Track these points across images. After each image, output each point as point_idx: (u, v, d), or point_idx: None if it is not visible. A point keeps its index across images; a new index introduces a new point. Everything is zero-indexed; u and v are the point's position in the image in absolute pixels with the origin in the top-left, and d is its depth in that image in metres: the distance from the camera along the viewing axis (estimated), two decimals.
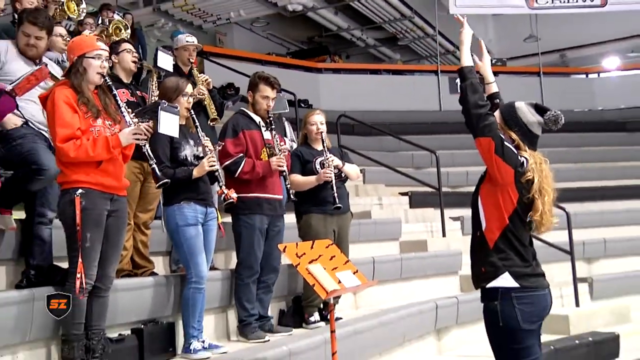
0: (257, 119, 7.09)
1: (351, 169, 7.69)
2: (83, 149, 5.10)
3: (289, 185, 7.04)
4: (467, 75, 4.52)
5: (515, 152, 4.39)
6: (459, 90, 4.54)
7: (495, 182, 4.39)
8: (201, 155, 6.30)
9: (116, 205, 5.39)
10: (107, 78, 5.44)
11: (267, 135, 7.09)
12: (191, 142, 6.31)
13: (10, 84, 5.07)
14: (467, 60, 4.62)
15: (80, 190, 5.11)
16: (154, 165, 5.64)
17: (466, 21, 4.91)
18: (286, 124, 8.97)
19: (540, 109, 4.52)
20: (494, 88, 5.04)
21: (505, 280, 4.34)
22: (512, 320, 4.31)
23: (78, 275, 5.03)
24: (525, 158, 4.40)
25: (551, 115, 4.44)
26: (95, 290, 5.23)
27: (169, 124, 5.63)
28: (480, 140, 4.36)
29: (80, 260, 5.06)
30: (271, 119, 7.11)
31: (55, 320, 5.15)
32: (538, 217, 4.37)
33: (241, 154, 6.83)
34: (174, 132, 5.80)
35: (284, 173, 6.97)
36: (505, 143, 4.35)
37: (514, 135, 4.47)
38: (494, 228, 4.41)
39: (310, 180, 7.41)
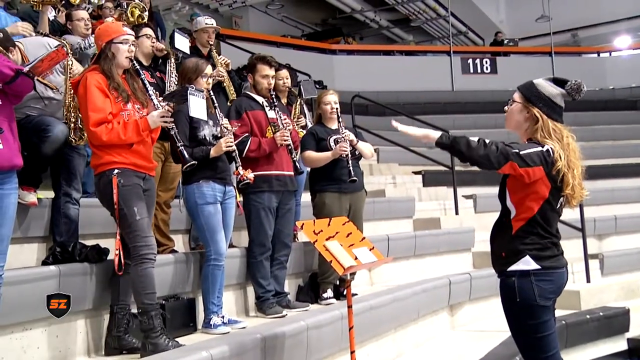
0: (260, 99, 7.13)
1: (365, 147, 7.70)
2: (115, 133, 5.24)
3: (295, 158, 7.12)
4: (445, 141, 4.43)
5: (535, 148, 4.33)
6: (456, 156, 4.47)
7: (527, 183, 4.33)
8: (219, 135, 6.37)
9: (148, 185, 5.56)
10: (135, 62, 5.58)
11: (271, 114, 7.12)
12: (210, 122, 6.36)
13: (27, 65, 5.13)
14: (433, 134, 4.53)
15: (116, 171, 5.27)
16: (182, 148, 5.80)
17: (400, 126, 4.88)
18: (304, 105, 9.04)
19: (559, 82, 4.51)
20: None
21: (526, 264, 4.34)
22: (528, 296, 4.31)
23: (116, 252, 5.21)
24: (550, 147, 4.34)
25: (573, 84, 4.43)
26: (124, 266, 5.35)
27: (198, 108, 5.74)
28: (504, 169, 4.29)
29: (118, 238, 5.25)
30: (273, 96, 7.16)
31: (80, 295, 5.29)
32: (570, 190, 4.34)
33: (247, 134, 6.88)
34: (203, 115, 5.92)
35: (290, 147, 7.05)
36: (521, 152, 4.28)
37: (537, 112, 4.44)
38: (521, 218, 4.40)
39: (325, 156, 7.45)
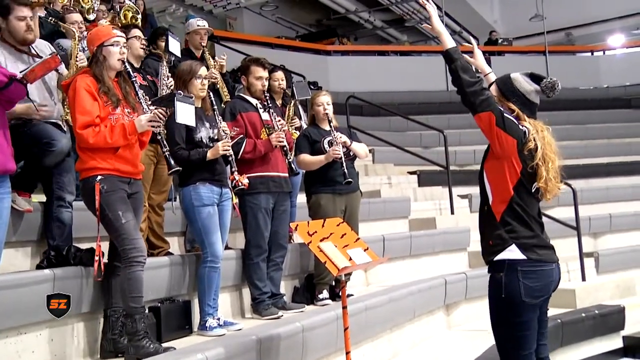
0: (254, 101, 7.14)
1: (359, 148, 7.69)
2: (101, 136, 5.25)
3: (290, 159, 7.12)
4: (454, 56, 4.48)
5: (516, 122, 4.39)
6: (450, 74, 4.49)
7: (497, 155, 4.39)
8: (216, 137, 6.38)
9: (134, 188, 5.56)
10: (127, 64, 5.59)
11: (265, 116, 7.13)
12: (207, 124, 6.39)
13: (21, 72, 5.13)
14: (449, 42, 4.57)
15: (99, 177, 5.27)
16: (167, 154, 5.78)
17: (434, 9, 4.82)
18: (299, 106, 9.04)
19: (535, 78, 4.55)
20: (492, 77, 4.97)
21: (512, 253, 4.33)
22: (514, 293, 4.31)
23: (97, 258, 5.23)
24: (527, 128, 4.39)
25: (547, 82, 4.46)
26: (115, 269, 5.40)
27: (185, 114, 5.72)
28: (481, 115, 4.34)
29: (98, 244, 5.24)
30: (267, 97, 7.17)
31: (75, 298, 5.27)
32: (543, 184, 4.36)
33: (241, 135, 6.88)
34: (191, 122, 5.87)
35: (285, 148, 7.03)
36: (506, 115, 4.35)
37: (512, 106, 4.47)
38: (500, 201, 4.42)
39: (319, 159, 7.45)
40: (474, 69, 4.57)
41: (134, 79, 5.66)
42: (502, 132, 4.32)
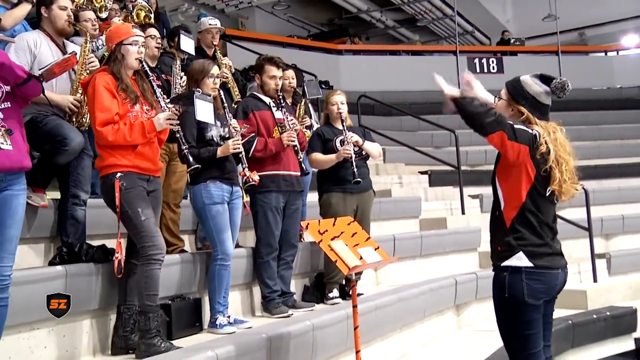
0: (267, 99, 7.15)
1: (372, 147, 7.70)
2: (121, 134, 5.28)
3: (301, 159, 7.13)
4: (461, 101, 4.44)
5: (526, 129, 4.37)
6: (461, 117, 4.45)
7: (512, 163, 4.37)
8: (227, 136, 6.38)
9: (153, 186, 5.58)
10: (144, 63, 5.62)
11: (278, 114, 7.14)
12: (218, 122, 6.38)
13: (40, 70, 5.18)
14: (453, 93, 4.54)
15: (119, 174, 5.29)
16: (186, 152, 5.82)
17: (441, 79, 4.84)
18: (309, 105, 9.04)
19: (545, 79, 4.53)
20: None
21: (519, 260, 4.35)
22: (517, 292, 4.34)
23: (117, 255, 5.24)
24: (537, 132, 4.37)
25: (557, 82, 4.44)
26: (131, 267, 5.41)
27: (204, 111, 5.80)
28: (493, 136, 4.31)
29: (119, 241, 5.26)
30: (281, 97, 7.19)
31: (86, 295, 5.33)
32: (557, 186, 4.36)
33: (253, 134, 6.88)
34: (210, 119, 5.97)
35: (296, 148, 7.07)
36: (515, 125, 4.32)
37: (522, 109, 4.47)
38: (512, 207, 4.42)
39: (330, 158, 7.47)
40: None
41: (150, 77, 5.67)
42: (515, 143, 4.29)
